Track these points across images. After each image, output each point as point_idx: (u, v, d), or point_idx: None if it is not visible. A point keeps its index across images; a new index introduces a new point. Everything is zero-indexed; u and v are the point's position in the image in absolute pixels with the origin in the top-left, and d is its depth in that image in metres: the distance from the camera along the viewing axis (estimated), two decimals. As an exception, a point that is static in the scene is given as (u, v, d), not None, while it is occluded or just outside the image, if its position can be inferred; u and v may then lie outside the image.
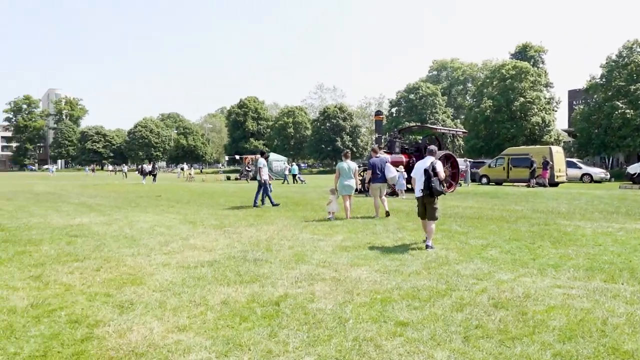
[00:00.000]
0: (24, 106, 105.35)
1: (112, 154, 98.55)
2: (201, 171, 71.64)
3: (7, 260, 5.99)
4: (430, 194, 6.92)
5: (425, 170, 6.91)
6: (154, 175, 31.49)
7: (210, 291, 4.51)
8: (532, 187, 23.12)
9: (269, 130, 74.99)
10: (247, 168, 34.50)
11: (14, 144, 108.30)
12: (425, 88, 61.50)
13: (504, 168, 26.95)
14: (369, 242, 7.41)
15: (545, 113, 43.99)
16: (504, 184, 26.73)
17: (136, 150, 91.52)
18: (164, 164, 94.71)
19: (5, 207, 13.24)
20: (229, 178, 39.28)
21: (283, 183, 30.40)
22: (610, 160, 45.22)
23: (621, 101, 34.91)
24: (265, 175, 13.28)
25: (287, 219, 10.37)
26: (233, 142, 76.85)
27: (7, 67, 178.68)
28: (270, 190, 13.67)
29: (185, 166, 47.36)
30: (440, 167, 7.01)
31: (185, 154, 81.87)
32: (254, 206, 13.04)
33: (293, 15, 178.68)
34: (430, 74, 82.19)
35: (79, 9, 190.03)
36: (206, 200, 15.83)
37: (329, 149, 64.77)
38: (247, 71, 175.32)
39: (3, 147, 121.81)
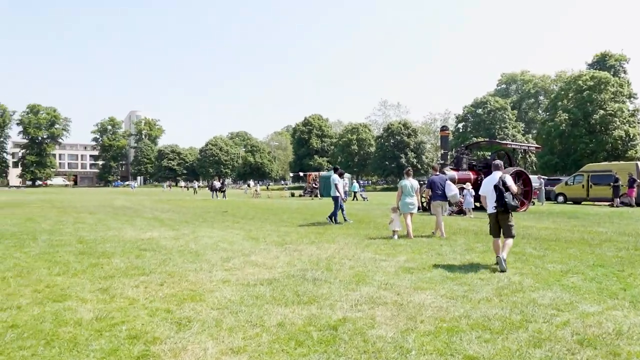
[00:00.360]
0: (109, 127, 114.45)
1: (185, 171, 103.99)
2: (267, 188, 73.51)
3: (81, 271, 6.31)
4: (505, 210, 6.71)
5: (496, 187, 6.73)
6: (224, 192, 32.64)
7: (268, 311, 4.42)
8: (617, 206, 21.20)
9: (332, 147, 75.54)
10: (314, 185, 34.80)
11: (100, 162, 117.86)
12: (493, 102, 59.15)
13: (583, 186, 25.02)
14: (434, 263, 7.02)
15: (629, 126, 40.55)
16: (583, 203, 24.79)
17: (207, 167, 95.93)
18: (230, 180, 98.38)
19: (87, 220, 14.22)
20: (293, 195, 39.85)
21: (353, 200, 30.39)
22: None
23: None
24: (338, 191, 13.35)
25: (349, 237, 10.17)
26: (298, 159, 78.19)
27: (94, 90, 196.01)
28: (343, 209, 13.67)
29: (251, 182, 48.65)
30: (510, 181, 6.82)
31: (252, 171, 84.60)
32: (336, 223, 13.07)
33: (357, 32, 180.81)
34: (499, 87, 79.09)
35: (152, 31, 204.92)
36: (270, 216, 16.02)
37: (392, 165, 63.95)
38: (312, 89, 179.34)
39: (91, 165, 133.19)
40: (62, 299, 4.92)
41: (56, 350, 3.48)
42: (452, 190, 10.63)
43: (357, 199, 30.55)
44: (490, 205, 6.89)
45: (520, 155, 37.79)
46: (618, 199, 21.84)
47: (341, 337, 3.76)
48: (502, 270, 6.39)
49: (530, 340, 3.75)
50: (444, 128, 18.36)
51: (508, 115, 58.95)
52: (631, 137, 40.01)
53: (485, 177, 18.07)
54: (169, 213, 17.09)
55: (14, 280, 5.85)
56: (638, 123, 43.00)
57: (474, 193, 16.39)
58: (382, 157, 64.09)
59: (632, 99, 43.18)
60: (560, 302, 4.88)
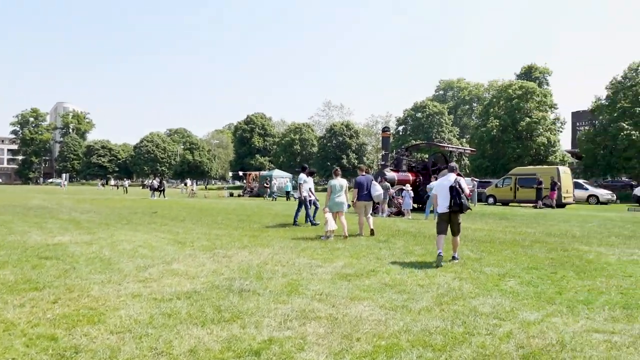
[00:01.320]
0: (31, 119, 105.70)
1: (117, 169, 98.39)
2: (206, 187, 71.12)
3: (-41, 286, 5.27)
4: (460, 210, 7.11)
5: (452, 187, 7.04)
6: (162, 191, 31.06)
7: (179, 333, 3.75)
8: (540, 208, 22.31)
9: (275, 146, 74.53)
10: (265, 184, 33.84)
11: (19, 157, 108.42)
12: (432, 106, 61.07)
13: (511, 188, 26.19)
14: (373, 269, 6.64)
15: (551, 133, 43.29)
16: (510, 204, 25.93)
17: (141, 165, 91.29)
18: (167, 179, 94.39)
19: (-10, 222, 12.56)
20: (232, 195, 38.62)
21: (287, 200, 30.02)
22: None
23: (626, 122, 34.18)
24: (305, 192, 12.72)
25: (285, 240, 9.62)
26: (239, 159, 76.36)
27: (15, 80, 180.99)
28: (312, 208, 13.08)
29: (188, 182, 46.71)
30: (464, 183, 7.21)
31: (191, 170, 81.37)
32: (294, 224, 12.50)
33: (301, 33, 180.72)
34: (437, 93, 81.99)
35: (88, 22, 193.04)
36: (204, 218, 15.11)
37: (334, 166, 64.17)
38: (255, 88, 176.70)
39: (9, 160, 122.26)
40: None
41: None
42: (377, 190, 10.79)
43: (289, 199, 30.34)
44: (443, 205, 7.19)
45: (455, 158, 39.20)
46: (541, 201, 23.01)
47: (264, 365, 3.21)
48: (438, 266, 6.81)
49: (475, 358, 3.40)
50: (385, 129, 18.32)
51: (445, 120, 61.07)
52: (552, 143, 42.70)
53: (423, 179, 18.44)
54: (89, 214, 15.62)
55: None
56: (558, 131, 46.04)
57: (412, 194, 16.43)
58: (325, 158, 64.13)
59: (552, 109, 46.11)
60: (501, 310, 4.64)
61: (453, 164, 7.64)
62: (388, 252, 8.10)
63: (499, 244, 9.11)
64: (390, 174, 17.54)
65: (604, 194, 29.39)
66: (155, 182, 32.65)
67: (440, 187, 7.34)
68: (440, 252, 7.02)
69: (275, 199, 31.60)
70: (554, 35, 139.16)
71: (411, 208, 16.18)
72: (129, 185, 50.01)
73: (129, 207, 20.28)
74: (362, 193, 10.54)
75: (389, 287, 5.58)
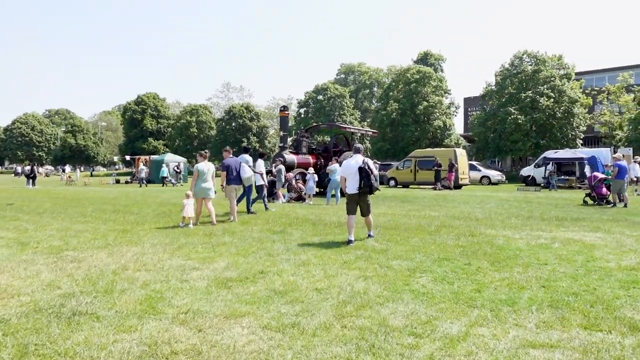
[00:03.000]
0: None
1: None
2: (91, 174, 64.27)
3: None
4: (369, 191, 7.08)
5: (361, 169, 6.96)
6: (33, 178, 26.96)
7: None
8: (439, 189, 22.85)
9: (170, 129, 69.58)
10: (144, 170, 30.68)
11: None
12: (333, 89, 61.07)
13: (411, 170, 26.63)
14: (262, 269, 5.41)
15: (446, 117, 45.45)
16: (411, 186, 26.39)
17: (14, 149, 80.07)
18: (49, 166, 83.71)
19: None
20: (117, 182, 34.82)
21: (162, 186, 28.16)
22: (500, 163, 48.03)
23: (513, 107, 36.79)
24: (261, 177, 11.91)
25: (162, 235, 8.01)
26: (129, 142, 69.97)
27: None
28: (264, 196, 12.30)
29: (68, 168, 41.49)
30: (372, 164, 7.15)
31: (74, 155, 72.91)
32: (249, 213, 11.11)
33: (200, 11, 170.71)
34: (338, 77, 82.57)
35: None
36: (70, 209, 12.74)
37: (234, 150, 61.66)
38: (149, 68, 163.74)
39: None
40: None
41: None
42: (246, 172, 10.42)
43: (165, 185, 28.82)
44: (353, 187, 7.09)
45: (357, 140, 39.41)
46: (439, 183, 23.60)
47: None
48: (349, 242, 6.92)
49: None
50: (283, 108, 17.05)
51: (346, 103, 61.50)
52: (448, 127, 44.90)
53: (324, 162, 17.57)
54: None
55: None
56: (453, 115, 48.62)
57: (316, 178, 15.50)
58: (224, 141, 61.09)
59: (447, 94, 48.45)
60: (416, 321, 3.68)
61: (359, 145, 7.47)
62: (282, 245, 6.92)
63: (404, 231, 8.40)
64: (289, 156, 16.41)
65: (495, 175, 31.35)
66: (28, 169, 28.49)
67: (348, 167, 7.20)
68: (350, 239, 6.99)
69: (146, 185, 29.37)
70: (449, 22, 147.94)
71: (314, 193, 15.25)
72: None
73: (-22, 198, 16.82)
74: (231, 176, 10.00)
75: (279, 295, 4.39)
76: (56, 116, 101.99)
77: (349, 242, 6.91)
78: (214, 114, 71.22)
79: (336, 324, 3.63)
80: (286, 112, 16.79)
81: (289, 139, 19.63)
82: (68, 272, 5.37)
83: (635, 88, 37.04)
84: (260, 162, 12.34)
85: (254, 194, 11.72)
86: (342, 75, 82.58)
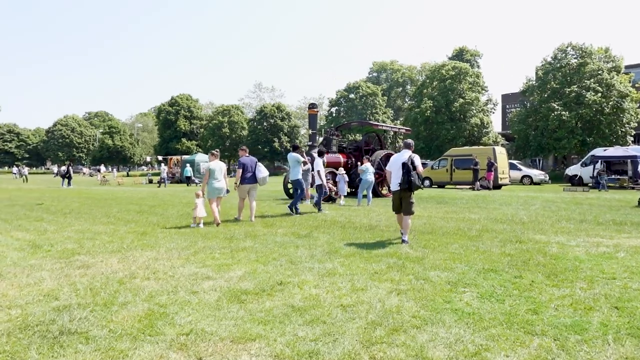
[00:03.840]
0: None
1: (27, 155, 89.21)
2: (127, 174, 65.72)
3: None
4: (409, 188, 6.80)
5: (404, 164, 6.77)
6: (69, 178, 27.59)
7: None
8: (477, 190, 21.69)
9: (202, 130, 70.32)
10: (165, 170, 30.91)
11: None
12: (365, 87, 60.10)
13: (447, 170, 25.50)
14: (281, 280, 4.81)
15: (484, 114, 43.72)
16: (447, 186, 25.29)
17: (55, 150, 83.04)
18: (86, 166, 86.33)
19: None
20: (151, 181, 35.12)
21: (188, 186, 28.44)
22: (540, 162, 45.75)
23: (557, 103, 34.80)
24: (319, 176, 11.69)
25: (180, 239, 7.54)
26: (164, 143, 71.24)
27: None
28: (303, 199, 12.11)
29: (102, 168, 42.37)
30: (418, 161, 6.89)
31: (112, 155, 74.90)
32: (297, 213, 10.92)
33: (231, 13, 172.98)
34: (370, 75, 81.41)
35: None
36: (96, 210, 12.56)
37: (266, 149, 61.65)
38: (184, 70, 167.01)
39: None
40: None
41: None
42: (262, 172, 10.05)
43: (189, 185, 29.00)
44: (395, 183, 6.96)
45: (389, 140, 38.33)
46: (478, 183, 22.41)
47: None
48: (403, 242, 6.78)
49: None
50: (312, 106, 16.41)
51: (379, 101, 60.38)
52: (485, 124, 43.14)
53: (355, 161, 16.85)
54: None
55: None
56: (490, 112, 46.70)
57: (347, 178, 14.82)
58: (255, 141, 61.28)
59: (484, 90, 46.60)
60: (462, 353, 3.00)
61: (409, 140, 7.25)
62: (306, 251, 6.29)
63: (442, 236, 7.61)
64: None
65: (537, 174, 29.70)
66: (62, 169, 29.23)
67: (394, 162, 7.06)
68: (404, 239, 6.85)
69: (165, 185, 29.57)
70: (485, 18, 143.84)
71: (345, 193, 14.57)
72: (29, 173, 44.47)
73: (10, 198, 17.03)
74: (246, 175, 9.73)
75: (297, 313, 3.76)
76: (95, 118, 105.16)
77: (403, 242, 6.84)
78: (245, 114, 71.51)
79: (363, 355, 2.98)
80: (315, 110, 16.12)
81: (319, 138, 18.99)
82: (72, 279, 4.93)
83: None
84: (319, 161, 11.93)
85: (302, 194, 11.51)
86: (375, 74, 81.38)
